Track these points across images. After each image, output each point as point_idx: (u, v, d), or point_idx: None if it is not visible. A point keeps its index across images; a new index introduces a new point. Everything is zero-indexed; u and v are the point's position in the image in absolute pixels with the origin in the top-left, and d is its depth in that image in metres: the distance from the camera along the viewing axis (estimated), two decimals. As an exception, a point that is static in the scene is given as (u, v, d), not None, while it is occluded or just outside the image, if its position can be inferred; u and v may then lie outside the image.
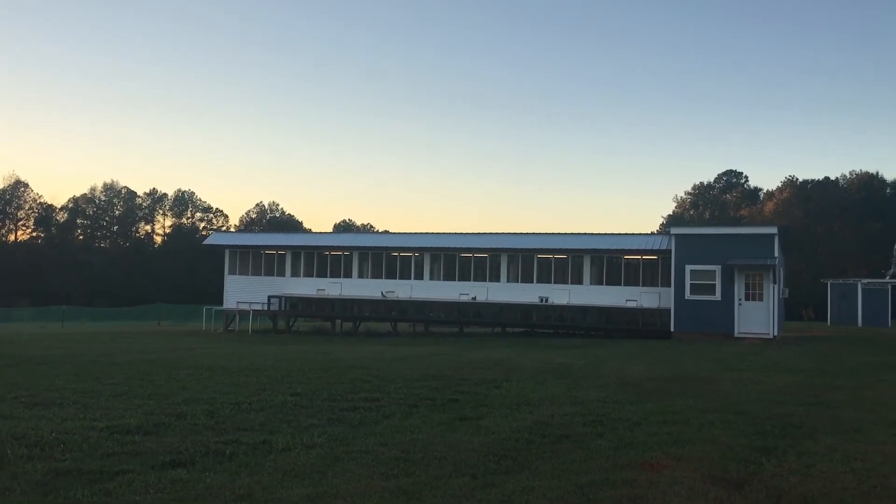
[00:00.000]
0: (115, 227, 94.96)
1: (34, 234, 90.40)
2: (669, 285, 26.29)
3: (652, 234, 34.16)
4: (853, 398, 10.43)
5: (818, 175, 78.61)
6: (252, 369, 13.56)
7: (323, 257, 32.61)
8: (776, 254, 25.06)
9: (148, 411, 8.73)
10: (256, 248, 33.77)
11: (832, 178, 75.80)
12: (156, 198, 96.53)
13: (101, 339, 24.66)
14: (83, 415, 8.46)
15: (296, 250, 32.89)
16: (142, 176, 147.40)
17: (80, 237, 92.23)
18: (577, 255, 28.79)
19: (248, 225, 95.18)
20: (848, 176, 75.86)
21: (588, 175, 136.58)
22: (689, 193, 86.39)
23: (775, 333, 24.75)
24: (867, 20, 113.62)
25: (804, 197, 71.92)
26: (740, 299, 25.08)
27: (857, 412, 9.15)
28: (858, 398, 10.44)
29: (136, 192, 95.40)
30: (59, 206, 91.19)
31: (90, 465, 6.17)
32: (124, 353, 17.34)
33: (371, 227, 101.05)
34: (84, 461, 6.29)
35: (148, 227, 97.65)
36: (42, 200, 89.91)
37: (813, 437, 7.52)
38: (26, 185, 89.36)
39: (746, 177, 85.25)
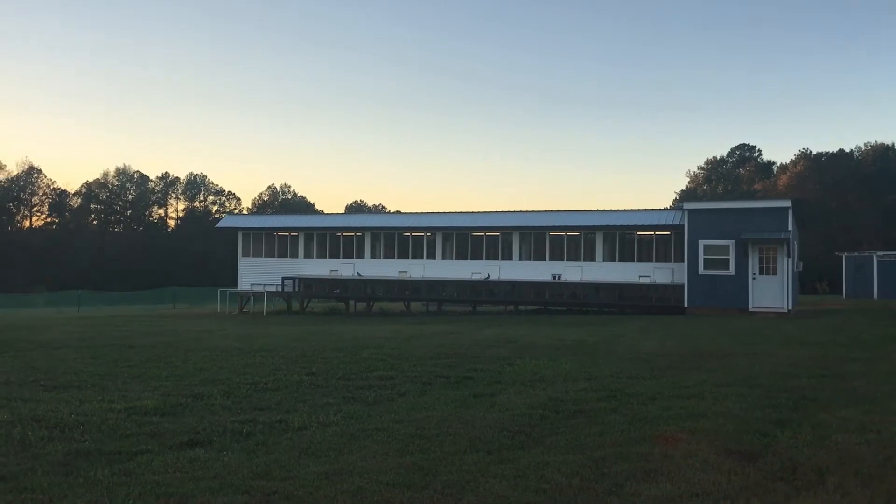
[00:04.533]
0: (129, 212, 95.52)
1: (48, 219, 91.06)
2: (683, 260, 26.20)
3: (665, 209, 33.99)
4: (868, 370, 10.41)
5: (832, 147, 78.16)
6: (267, 350, 13.66)
7: (335, 238, 32.68)
8: (790, 227, 24.90)
9: (165, 392, 8.82)
10: (269, 230, 33.89)
11: (846, 150, 75.14)
12: (168, 182, 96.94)
13: (117, 322, 24.86)
14: (101, 397, 8.56)
15: (308, 232, 32.96)
16: (154, 160, 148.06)
17: (94, 222, 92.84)
18: (589, 232, 28.72)
19: (260, 207, 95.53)
20: (863, 148, 75.19)
21: (600, 151, 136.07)
22: (702, 168, 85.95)
23: (790, 307, 24.64)
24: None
25: (818, 170, 71.34)
26: (754, 273, 24.97)
27: (871, 384, 9.13)
28: (873, 370, 10.42)
29: (148, 177, 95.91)
30: (72, 192, 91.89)
31: (109, 445, 6.25)
32: (140, 337, 17.49)
33: (383, 207, 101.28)
34: (103, 442, 6.38)
35: (161, 211, 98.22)
36: (55, 186, 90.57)
37: (827, 409, 7.52)
38: (39, 172, 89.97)
39: (760, 150, 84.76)
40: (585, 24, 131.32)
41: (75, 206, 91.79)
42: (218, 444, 6.33)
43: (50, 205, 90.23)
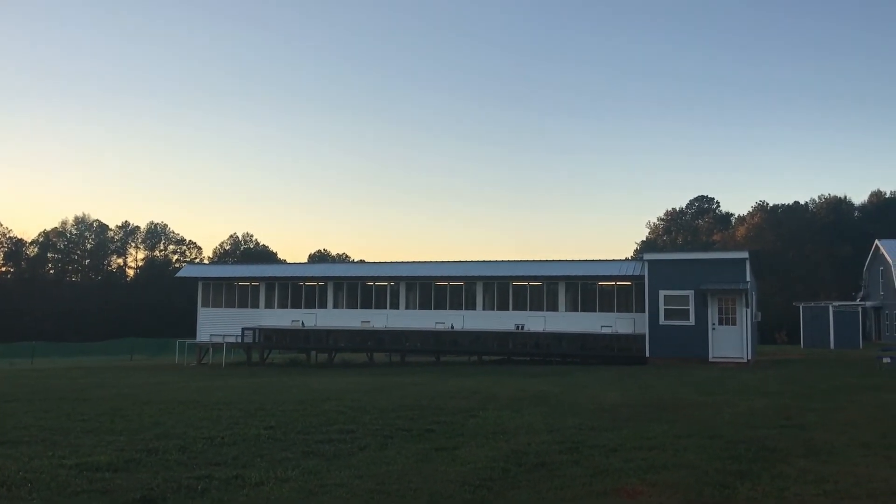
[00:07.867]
0: (87, 261, 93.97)
1: (3, 268, 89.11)
2: (644, 311, 26.44)
3: (626, 260, 34.40)
4: (825, 420, 10.51)
5: (788, 200, 79.87)
6: (225, 403, 13.40)
7: (297, 288, 32.43)
8: (748, 278, 25.33)
9: (118, 447, 8.58)
10: (230, 280, 33.54)
11: (802, 202, 77.13)
12: (128, 231, 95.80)
13: (72, 374, 24.26)
14: (51, 452, 8.30)
15: (269, 281, 32.70)
16: (114, 209, 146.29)
17: (51, 271, 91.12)
18: (552, 282, 28.89)
19: (221, 257, 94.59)
20: (817, 200, 77.23)
21: (562, 202, 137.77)
22: (661, 219, 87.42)
23: (749, 357, 24.93)
24: (835, 46, 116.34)
25: (775, 221, 72.96)
26: (714, 324, 25.27)
27: (829, 434, 9.22)
28: (831, 420, 10.53)
29: (107, 226, 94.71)
30: (29, 241, 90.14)
31: (58, 503, 6.04)
32: (96, 389, 17.07)
33: (346, 256, 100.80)
34: (52, 500, 6.16)
35: (120, 261, 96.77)
36: (11, 234, 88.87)
37: (786, 459, 7.56)
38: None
39: (718, 202, 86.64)
40: (547, 76, 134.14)
41: (32, 254, 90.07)
42: (172, 500, 6.15)
43: (5, 253, 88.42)
